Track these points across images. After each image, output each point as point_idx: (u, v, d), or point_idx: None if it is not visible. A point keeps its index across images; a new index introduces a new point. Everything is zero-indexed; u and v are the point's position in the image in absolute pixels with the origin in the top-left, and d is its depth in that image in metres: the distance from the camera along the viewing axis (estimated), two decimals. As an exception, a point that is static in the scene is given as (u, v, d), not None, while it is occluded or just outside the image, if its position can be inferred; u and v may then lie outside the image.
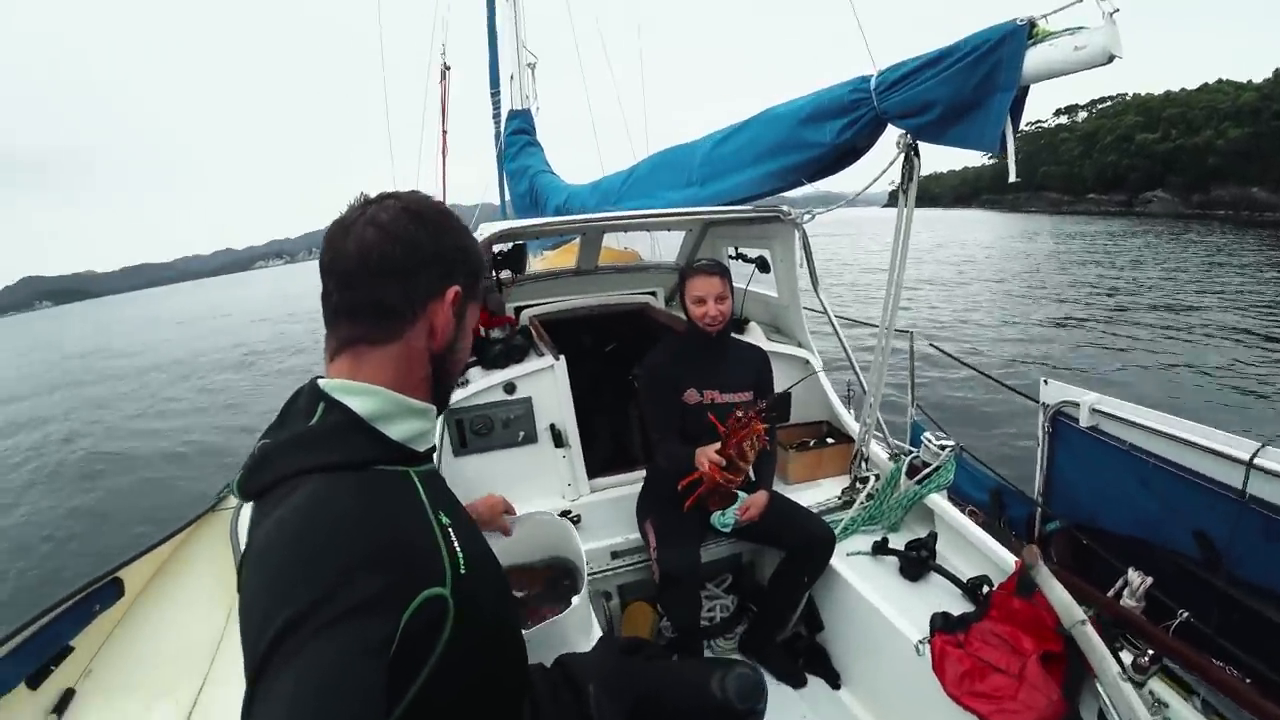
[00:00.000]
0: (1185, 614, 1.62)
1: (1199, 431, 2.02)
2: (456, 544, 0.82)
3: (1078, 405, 2.44)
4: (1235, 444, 1.90)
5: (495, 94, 6.02)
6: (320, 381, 0.83)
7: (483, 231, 2.40)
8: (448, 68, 7.62)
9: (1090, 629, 1.49)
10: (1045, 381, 2.63)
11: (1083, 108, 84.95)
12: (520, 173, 4.08)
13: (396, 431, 0.82)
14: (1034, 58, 1.56)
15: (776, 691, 2.22)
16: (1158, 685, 1.49)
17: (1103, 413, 2.36)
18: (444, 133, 7.70)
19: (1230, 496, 1.88)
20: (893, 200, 2.16)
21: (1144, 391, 8.03)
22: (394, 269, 0.81)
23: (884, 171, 2.17)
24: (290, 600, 0.61)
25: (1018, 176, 1.80)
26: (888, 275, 2.25)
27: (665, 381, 2.21)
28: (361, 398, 0.80)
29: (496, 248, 2.61)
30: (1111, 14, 1.38)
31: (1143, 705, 1.30)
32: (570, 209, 3.43)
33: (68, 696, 2.08)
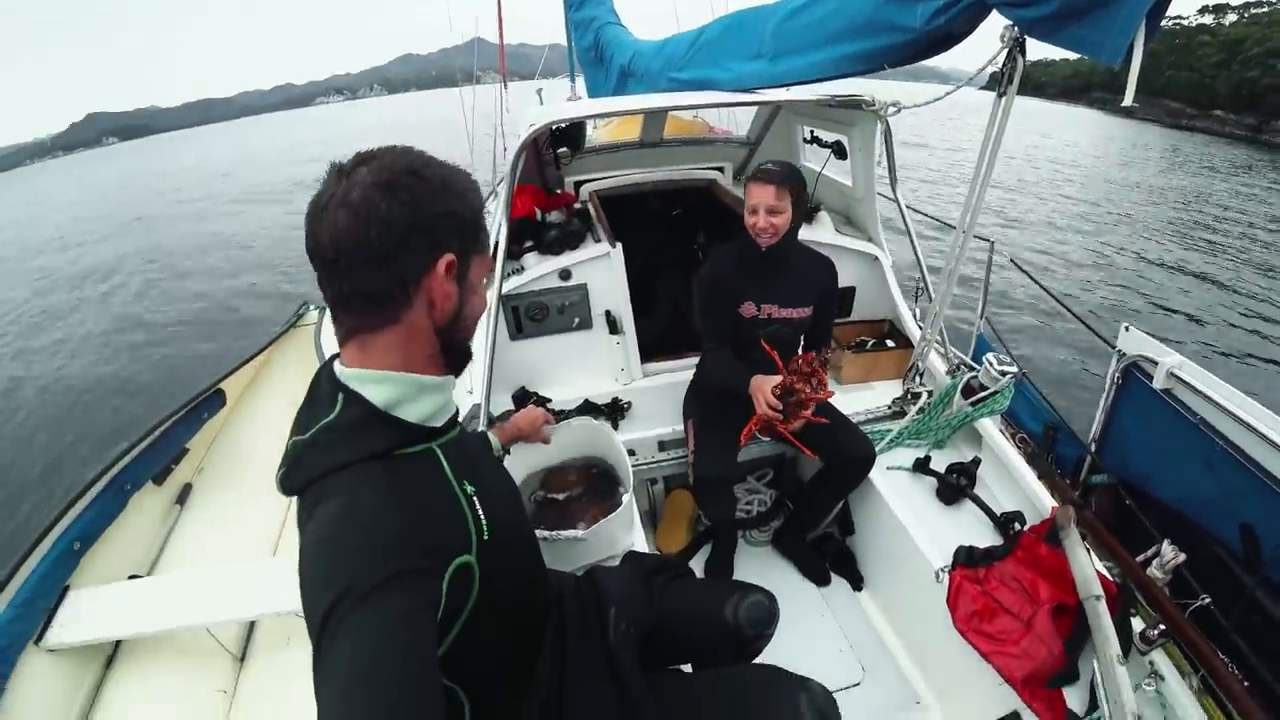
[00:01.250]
0: (1207, 599, 1.61)
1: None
2: (481, 512, 0.89)
3: (1155, 364, 2.27)
4: None
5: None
6: (337, 369, 0.85)
7: (535, 120, 2.27)
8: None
9: (1103, 605, 1.51)
10: (1126, 328, 2.42)
11: (1234, 9, 69.15)
12: (586, 24, 3.71)
13: (414, 413, 0.85)
14: None
15: (801, 587, 2.40)
16: (1160, 657, 1.54)
17: (1180, 378, 2.20)
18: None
19: None
20: (992, 83, 1.90)
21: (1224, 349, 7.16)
22: (373, 255, 0.77)
23: (982, 69, 1.90)
24: (331, 586, 0.68)
25: (1135, 102, 1.54)
26: (972, 178, 2.04)
27: (721, 291, 2.14)
28: (376, 386, 0.83)
29: (553, 125, 2.48)
30: None
31: (1130, 691, 1.35)
32: (635, 70, 3.16)
33: (187, 490, 2.50)
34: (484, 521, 0.88)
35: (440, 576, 0.78)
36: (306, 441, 0.82)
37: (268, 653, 1.98)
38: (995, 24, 1.74)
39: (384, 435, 0.83)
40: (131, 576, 2.08)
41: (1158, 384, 2.27)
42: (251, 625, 2.06)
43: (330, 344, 3.11)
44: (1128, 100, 1.55)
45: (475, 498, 0.90)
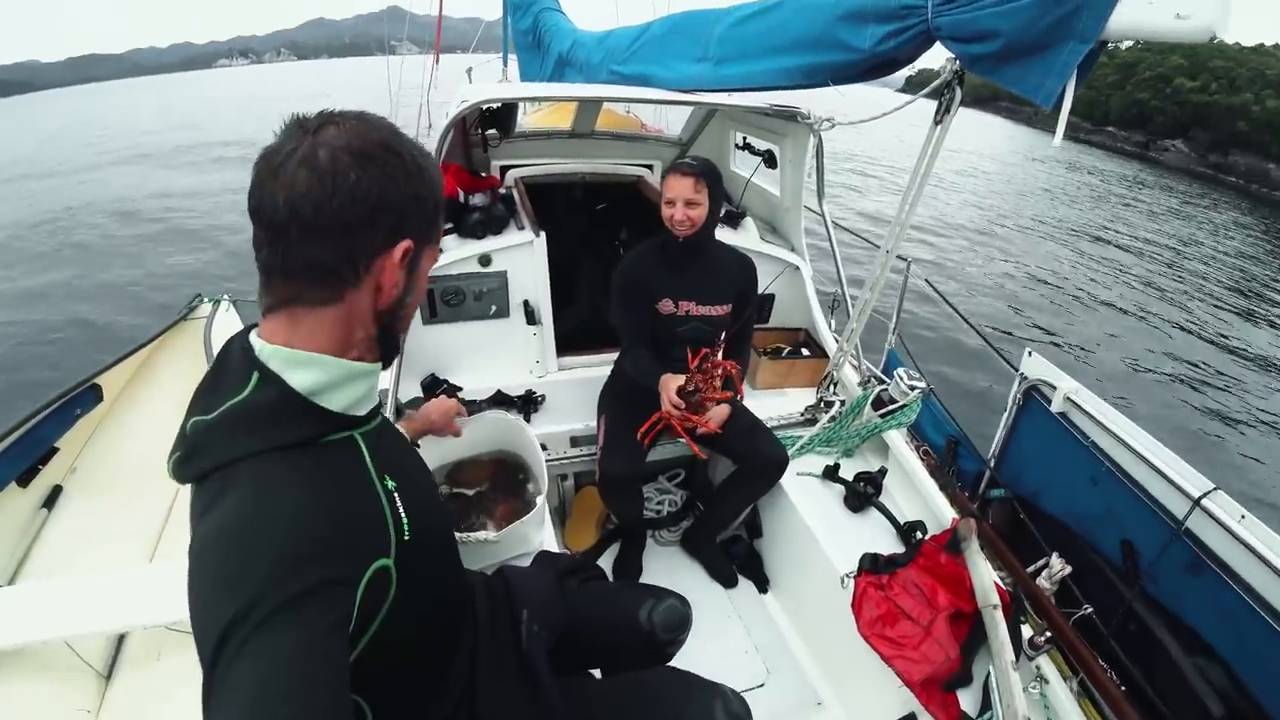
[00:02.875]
0: (1089, 609, 1.73)
1: (1162, 455, 2.04)
2: (401, 509, 0.81)
3: (1054, 388, 2.43)
4: (1191, 478, 1.93)
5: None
6: (254, 343, 0.75)
7: (468, 97, 2.18)
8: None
9: (999, 615, 1.59)
10: (1029, 353, 2.59)
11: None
12: (525, 6, 3.60)
13: (338, 401, 0.77)
14: (1125, 13, 1.31)
15: (709, 587, 2.41)
16: (1045, 662, 1.63)
17: (1075, 403, 2.36)
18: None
19: (1168, 523, 1.94)
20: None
21: (1121, 367, 7.71)
22: (332, 225, 0.70)
23: (918, 96, 1.97)
24: (231, 599, 0.60)
25: (1061, 142, 1.64)
26: (900, 201, 2.11)
27: (639, 288, 2.12)
28: (300, 371, 0.74)
29: (485, 105, 2.39)
30: None
31: (1021, 695, 1.42)
32: (574, 59, 3.10)
33: (55, 493, 2.29)
34: (404, 520, 0.81)
35: (356, 584, 0.70)
36: (211, 423, 0.72)
37: (136, 669, 1.82)
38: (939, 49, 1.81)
39: (301, 424, 0.74)
40: None
41: (1055, 407, 2.43)
42: (120, 639, 1.88)
43: (220, 339, 2.90)
44: (1056, 142, 1.64)
45: (396, 494, 0.82)
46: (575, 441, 2.43)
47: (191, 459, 0.72)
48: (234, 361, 0.76)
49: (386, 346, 0.83)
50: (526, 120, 4.64)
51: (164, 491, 2.34)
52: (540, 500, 1.67)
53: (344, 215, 0.70)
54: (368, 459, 0.81)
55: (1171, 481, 1.96)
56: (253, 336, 0.76)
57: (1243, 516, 1.79)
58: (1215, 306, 11.27)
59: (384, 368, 0.85)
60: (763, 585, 2.41)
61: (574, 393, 2.48)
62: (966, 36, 1.66)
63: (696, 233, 2.01)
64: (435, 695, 1.04)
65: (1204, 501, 1.84)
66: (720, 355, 1.97)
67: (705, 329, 2.15)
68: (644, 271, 2.12)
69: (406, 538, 0.80)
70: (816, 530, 2.09)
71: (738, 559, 2.48)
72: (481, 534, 1.57)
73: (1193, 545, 1.87)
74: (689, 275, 2.12)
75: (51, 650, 1.71)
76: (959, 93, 1.85)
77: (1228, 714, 1.78)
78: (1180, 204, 23.83)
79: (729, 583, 2.42)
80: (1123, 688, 1.58)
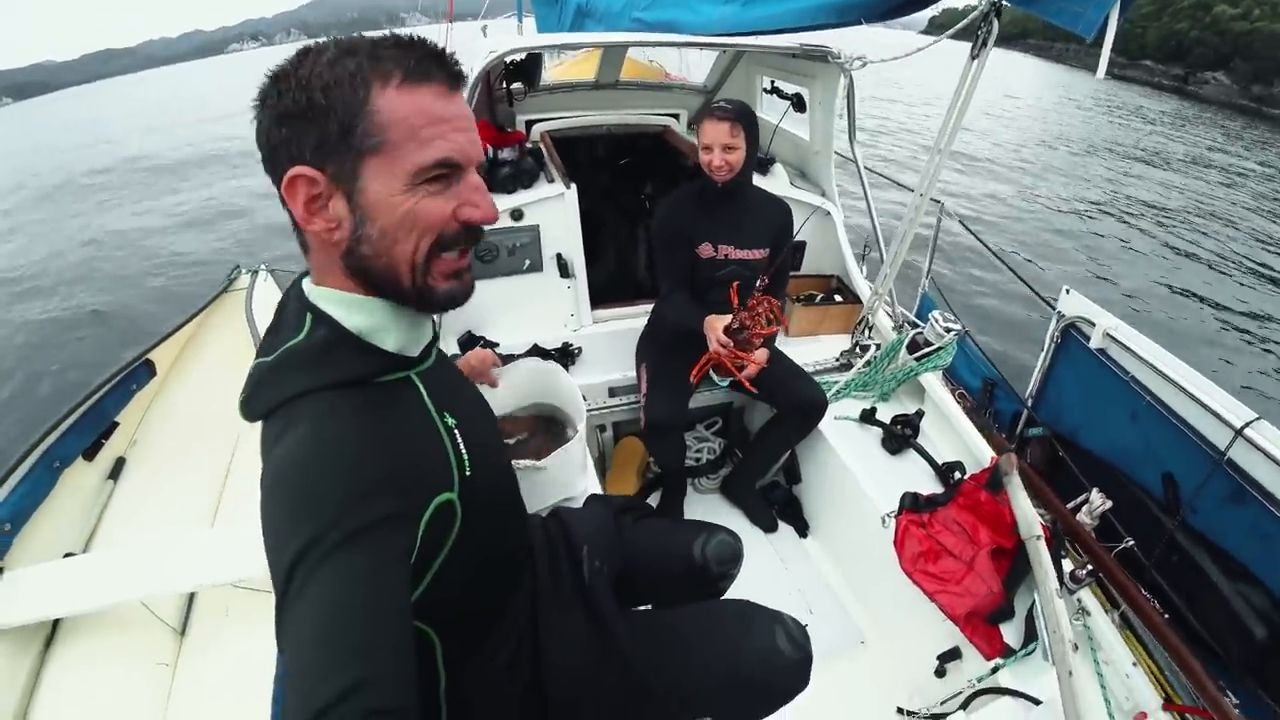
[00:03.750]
0: (1130, 542, 1.75)
1: (1203, 386, 2.02)
2: (462, 445, 0.83)
3: (1093, 325, 2.40)
4: (1233, 408, 1.91)
5: None
6: (305, 287, 0.78)
7: (494, 50, 2.16)
8: None
9: (1042, 544, 1.61)
10: (1067, 291, 2.55)
11: None
12: (541, -46, 3.57)
13: (391, 342, 0.78)
14: None
15: (749, 533, 2.45)
16: (1086, 595, 1.66)
17: (1115, 339, 2.34)
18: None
19: (1210, 454, 1.94)
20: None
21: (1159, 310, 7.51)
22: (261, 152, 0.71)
23: (955, 29, 1.92)
24: (299, 531, 0.62)
25: (1107, 73, 1.59)
26: (935, 141, 2.08)
27: (678, 233, 2.13)
28: (346, 310, 0.75)
29: (509, 57, 2.37)
30: None
31: (1068, 621, 1.45)
32: (594, 8, 3.05)
33: (119, 464, 2.40)
34: (465, 456, 0.82)
35: (418, 518, 0.72)
36: (270, 364, 0.74)
37: (207, 624, 1.93)
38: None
39: (359, 362, 0.75)
40: (66, 555, 1.99)
41: (1094, 343, 2.41)
42: (190, 597, 2.00)
43: (261, 308, 2.99)
44: (1100, 73, 1.60)
45: (456, 430, 0.83)
46: (614, 392, 2.47)
47: (254, 398, 0.75)
48: (290, 307, 0.78)
49: (383, 288, 0.76)
50: (549, 74, 4.58)
51: (220, 456, 2.44)
52: (581, 429, 1.69)
53: (262, 155, 0.71)
54: (426, 397, 0.82)
55: (1213, 412, 1.95)
56: (305, 281, 0.79)
57: None
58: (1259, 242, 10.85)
59: (420, 310, 0.80)
60: (803, 530, 2.46)
61: (610, 344, 2.50)
62: (1004, -36, 1.61)
63: (735, 177, 2.00)
64: (498, 632, 1.06)
65: (1246, 431, 1.83)
66: (734, 288, 1.98)
67: (743, 272, 2.16)
68: (683, 216, 2.13)
69: (468, 473, 0.82)
70: (856, 472, 2.12)
71: (777, 504, 2.53)
72: (528, 462, 1.58)
73: (1235, 475, 1.88)
74: (727, 219, 2.12)
75: (129, 610, 1.82)
76: (996, 26, 1.81)
77: (1270, 636, 1.81)
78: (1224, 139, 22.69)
79: (769, 528, 2.47)
80: (1166, 615, 1.60)
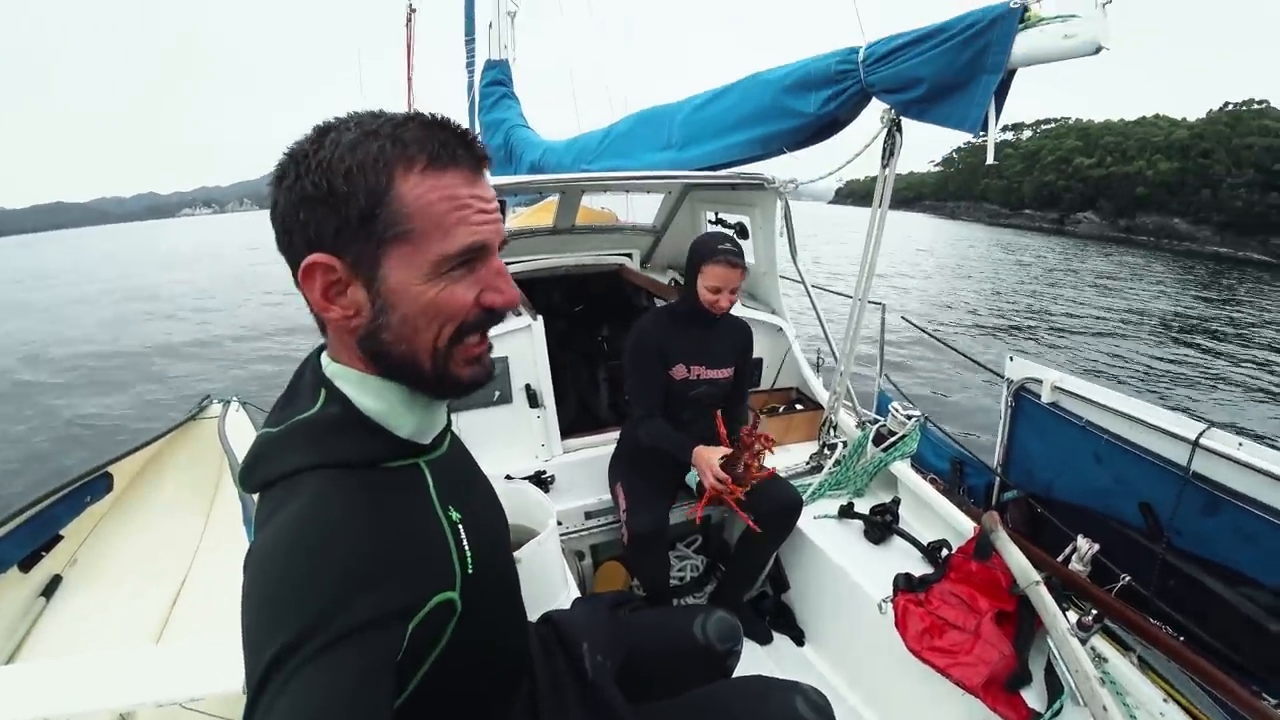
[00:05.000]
0: (1127, 578, 1.75)
1: (1151, 412, 2.15)
2: (466, 542, 0.78)
3: (1040, 382, 2.55)
4: (1183, 424, 2.03)
5: (470, 42, 5.82)
6: (322, 361, 0.76)
7: None
8: (413, 10, 7.36)
9: (1043, 589, 1.59)
10: (1011, 358, 2.73)
11: (1028, 126, 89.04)
12: (495, 125, 3.97)
13: (404, 428, 0.75)
14: (1023, 42, 1.58)
15: (746, 648, 2.29)
16: (1099, 642, 1.61)
17: (1063, 390, 2.48)
18: (409, 79, 7.46)
19: (1175, 472, 2.02)
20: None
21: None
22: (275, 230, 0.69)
23: (867, 146, 2.19)
24: (283, 624, 0.57)
25: (996, 160, 1.85)
26: (864, 245, 2.28)
27: (653, 353, 2.20)
28: (361, 391, 0.73)
29: None
30: (1103, 4, 1.41)
31: (1088, 658, 1.40)
32: (546, 166, 3.38)
33: (55, 582, 2.24)
34: (469, 553, 0.77)
35: (410, 617, 0.67)
36: (277, 435, 0.71)
37: None
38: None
39: (368, 444, 0.73)
40: None
41: (1045, 399, 2.53)
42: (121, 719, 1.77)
43: (236, 438, 2.92)
44: (990, 158, 1.85)
45: (460, 525, 0.78)
46: (590, 515, 2.43)
47: (255, 467, 0.72)
48: (306, 379, 0.76)
49: (401, 374, 0.74)
50: (511, 222, 4.90)
51: (173, 576, 2.30)
52: (552, 524, 1.65)
53: (276, 234, 0.68)
54: (432, 489, 0.78)
55: (1168, 432, 2.04)
56: (323, 355, 0.77)
57: (1240, 444, 1.88)
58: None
59: (436, 396, 0.78)
60: (799, 638, 2.34)
61: (582, 471, 2.49)
62: (896, 87, 1.92)
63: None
64: None
65: (1202, 440, 1.91)
66: (720, 418, 2.06)
67: (713, 391, 2.26)
68: (659, 338, 2.21)
69: (470, 571, 0.76)
70: (844, 565, 2.08)
71: (768, 614, 2.42)
72: None
73: (1205, 486, 1.93)
74: (699, 340, 2.23)
75: None
76: (899, 138, 2.08)
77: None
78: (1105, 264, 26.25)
79: (764, 640, 2.34)
80: (1180, 638, 1.57)
